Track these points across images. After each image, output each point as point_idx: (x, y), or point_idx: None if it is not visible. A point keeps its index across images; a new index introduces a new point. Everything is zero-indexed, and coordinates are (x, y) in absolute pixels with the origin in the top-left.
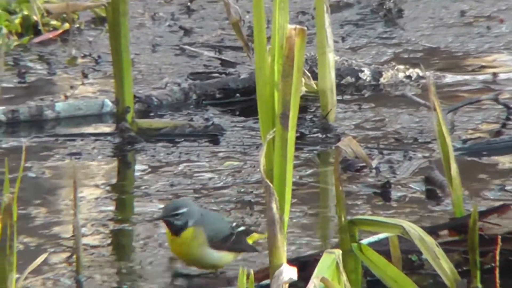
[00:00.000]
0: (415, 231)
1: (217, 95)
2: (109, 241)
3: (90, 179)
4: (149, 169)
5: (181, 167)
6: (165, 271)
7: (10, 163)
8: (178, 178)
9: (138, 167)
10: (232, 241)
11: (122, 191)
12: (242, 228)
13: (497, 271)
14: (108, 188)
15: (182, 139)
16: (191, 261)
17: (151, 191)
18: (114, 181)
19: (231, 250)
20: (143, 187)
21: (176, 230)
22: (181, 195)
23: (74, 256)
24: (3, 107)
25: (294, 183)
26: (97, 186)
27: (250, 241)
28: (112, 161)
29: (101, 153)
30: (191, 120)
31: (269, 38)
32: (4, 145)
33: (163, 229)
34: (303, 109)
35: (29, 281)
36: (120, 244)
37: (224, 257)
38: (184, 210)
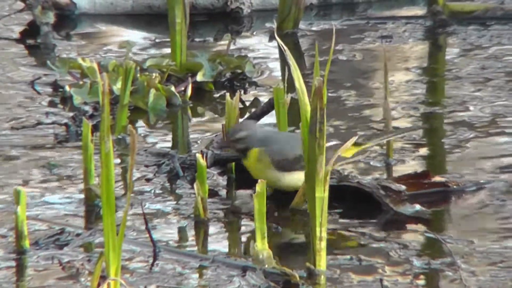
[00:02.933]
0: None
1: None
2: (419, 124)
3: (401, 62)
4: (460, 52)
5: (492, 50)
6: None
7: (321, 45)
8: (489, 61)
9: (449, 50)
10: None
11: (433, 74)
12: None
13: None
14: (419, 71)
15: (493, 22)
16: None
17: (462, 74)
18: (425, 64)
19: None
20: (454, 70)
21: (241, 153)
22: (491, 78)
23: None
24: None
25: None
26: (408, 69)
27: (348, 153)
28: (423, 44)
29: (412, 36)
30: (502, 3)
31: None
32: (315, 28)
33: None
34: None
35: (339, 164)
36: (431, 127)
37: (295, 178)
38: (243, 134)
